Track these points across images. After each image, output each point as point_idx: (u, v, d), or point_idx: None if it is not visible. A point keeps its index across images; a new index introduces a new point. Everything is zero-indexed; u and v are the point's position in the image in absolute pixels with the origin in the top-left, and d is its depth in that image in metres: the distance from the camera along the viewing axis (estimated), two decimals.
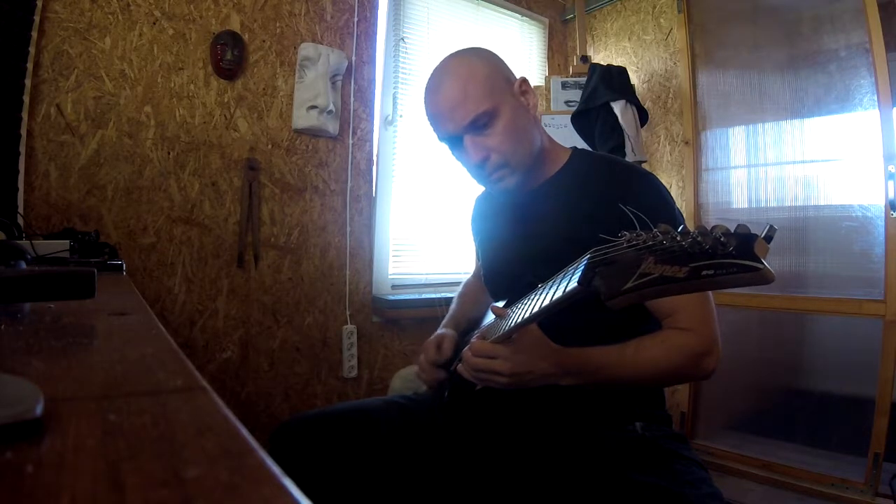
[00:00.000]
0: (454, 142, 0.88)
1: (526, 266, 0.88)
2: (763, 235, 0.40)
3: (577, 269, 0.53)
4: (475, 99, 0.83)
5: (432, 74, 0.90)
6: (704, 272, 0.41)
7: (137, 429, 0.25)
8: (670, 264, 0.42)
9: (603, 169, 0.90)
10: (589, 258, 0.51)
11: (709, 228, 0.42)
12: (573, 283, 0.52)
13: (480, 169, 0.87)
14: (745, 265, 0.39)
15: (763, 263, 0.39)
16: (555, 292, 0.57)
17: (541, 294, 0.61)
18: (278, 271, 1.88)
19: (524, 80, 0.91)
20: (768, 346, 2.15)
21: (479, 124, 0.84)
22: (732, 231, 0.41)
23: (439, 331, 1.03)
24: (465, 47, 0.93)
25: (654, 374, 0.77)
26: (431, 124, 0.90)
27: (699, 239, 0.41)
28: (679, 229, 0.43)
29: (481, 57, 0.89)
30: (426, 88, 0.89)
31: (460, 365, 0.79)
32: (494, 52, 0.93)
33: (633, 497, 0.69)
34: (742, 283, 0.40)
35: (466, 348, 0.76)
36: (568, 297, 0.54)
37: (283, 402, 1.88)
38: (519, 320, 0.64)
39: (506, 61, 0.94)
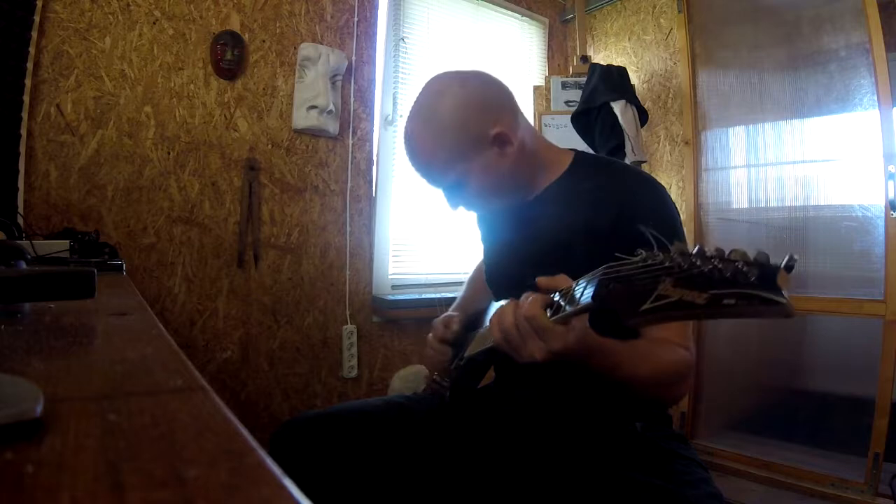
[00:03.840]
0: None
1: (528, 268, 0.88)
2: (783, 265, 0.38)
3: (589, 282, 0.53)
4: (442, 174, 0.86)
5: (405, 128, 0.88)
6: (725, 301, 0.39)
7: (137, 429, 0.25)
8: (689, 289, 0.41)
9: (605, 174, 0.89)
10: (602, 274, 0.51)
11: (726, 252, 0.40)
12: (587, 298, 0.52)
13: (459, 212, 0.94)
14: (767, 298, 0.37)
15: (786, 298, 0.37)
16: (567, 304, 0.57)
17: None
18: (278, 271, 1.88)
19: (500, 133, 0.83)
20: (768, 346, 2.15)
21: (451, 187, 0.88)
22: (752, 258, 0.39)
23: (448, 312, 1.04)
24: (437, 90, 0.86)
25: (654, 380, 0.75)
26: None
27: (720, 265, 0.39)
28: (695, 250, 0.42)
29: (449, 116, 0.83)
30: (403, 141, 0.89)
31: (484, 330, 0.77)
32: (471, 91, 0.84)
33: (632, 497, 0.69)
34: (763, 316, 0.38)
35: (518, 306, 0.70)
36: (582, 311, 0.54)
37: (283, 402, 1.88)
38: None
39: (488, 97, 0.85)
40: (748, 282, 0.38)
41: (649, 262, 0.44)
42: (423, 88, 0.88)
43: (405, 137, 0.88)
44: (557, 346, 0.61)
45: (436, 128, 0.83)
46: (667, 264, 0.43)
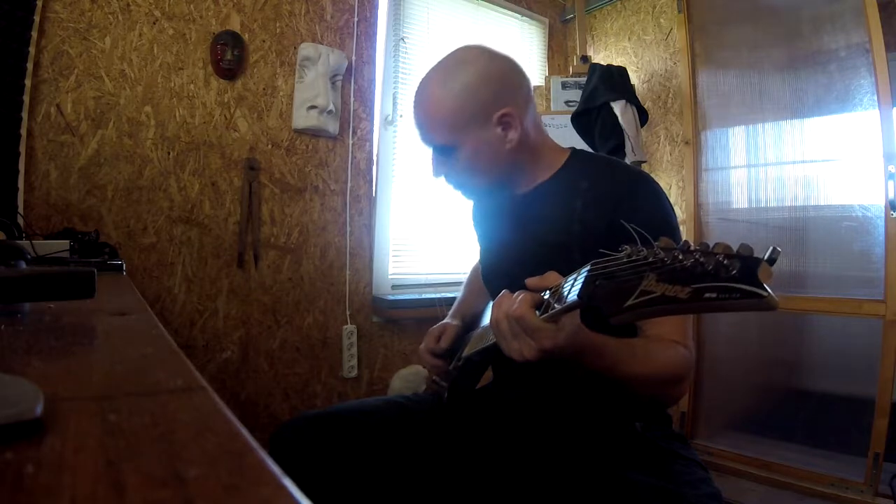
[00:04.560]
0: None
1: (524, 267, 0.88)
2: (766, 258, 0.38)
3: (576, 280, 0.53)
4: (438, 131, 0.86)
5: (420, 82, 0.90)
6: (707, 294, 0.39)
7: (137, 429, 0.25)
8: (672, 283, 0.41)
9: (601, 172, 0.89)
10: (588, 271, 0.51)
11: (710, 246, 0.40)
12: (573, 296, 0.52)
13: (439, 181, 0.93)
14: (748, 291, 0.38)
15: (767, 290, 0.38)
16: (556, 302, 0.57)
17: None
18: (278, 271, 1.88)
19: (506, 114, 0.84)
20: (768, 346, 2.15)
21: (441, 150, 0.88)
22: (735, 251, 0.39)
23: (446, 320, 1.04)
24: (461, 53, 0.88)
25: (653, 379, 0.74)
26: None
27: (701, 259, 0.40)
28: (680, 245, 0.42)
29: (463, 80, 0.84)
30: (417, 87, 0.91)
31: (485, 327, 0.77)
32: (490, 68, 0.85)
33: (632, 497, 0.69)
34: (745, 309, 0.39)
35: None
36: (568, 308, 0.54)
37: (283, 402, 1.88)
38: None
39: (505, 77, 0.86)
40: (729, 275, 0.38)
41: (634, 257, 0.45)
42: (456, 49, 0.89)
43: (417, 90, 0.89)
44: (548, 345, 0.61)
45: (449, 87, 0.84)
46: (650, 259, 0.43)
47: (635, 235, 0.46)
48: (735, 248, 0.40)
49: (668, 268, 0.41)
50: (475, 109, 0.83)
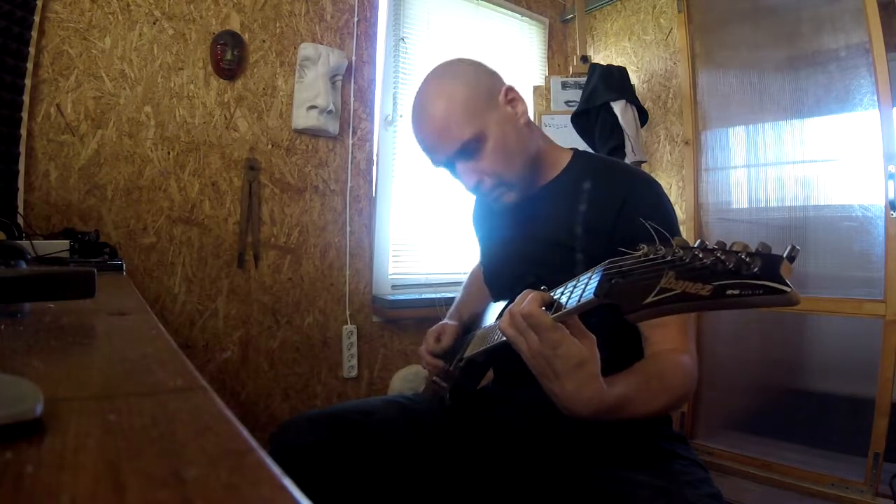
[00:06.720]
0: (449, 167, 0.88)
1: (527, 266, 0.88)
2: (786, 256, 0.39)
3: (591, 278, 0.53)
4: (458, 127, 0.82)
5: (414, 101, 0.88)
6: (729, 291, 0.40)
7: (137, 429, 0.25)
8: (692, 281, 0.41)
9: (604, 174, 0.89)
10: (604, 269, 0.50)
11: (728, 244, 0.41)
12: (589, 294, 0.52)
13: (477, 191, 0.88)
14: (771, 287, 0.39)
15: (790, 286, 0.38)
16: (569, 300, 0.57)
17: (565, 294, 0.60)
18: (278, 271, 1.88)
19: (510, 89, 0.87)
20: (768, 346, 2.15)
21: (468, 150, 0.83)
22: (755, 249, 0.40)
23: (444, 321, 1.03)
24: (444, 63, 0.90)
25: (666, 408, 0.74)
26: (423, 153, 0.89)
27: (722, 257, 0.40)
28: (697, 244, 0.42)
29: (459, 76, 0.86)
30: (411, 117, 0.89)
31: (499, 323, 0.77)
32: (475, 61, 0.90)
33: (632, 497, 0.69)
34: (767, 305, 0.39)
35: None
36: (584, 306, 0.54)
37: (283, 402, 1.88)
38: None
39: (490, 67, 0.90)
40: (752, 272, 0.39)
41: (651, 255, 0.45)
42: (435, 67, 0.91)
43: (417, 107, 0.87)
44: (556, 338, 0.61)
45: (453, 84, 0.85)
46: (669, 258, 0.43)
47: (653, 234, 0.46)
48: (753, 246, 0.41)
49: (688, 265, 0.42)
50: (484, 93, 0.85)
